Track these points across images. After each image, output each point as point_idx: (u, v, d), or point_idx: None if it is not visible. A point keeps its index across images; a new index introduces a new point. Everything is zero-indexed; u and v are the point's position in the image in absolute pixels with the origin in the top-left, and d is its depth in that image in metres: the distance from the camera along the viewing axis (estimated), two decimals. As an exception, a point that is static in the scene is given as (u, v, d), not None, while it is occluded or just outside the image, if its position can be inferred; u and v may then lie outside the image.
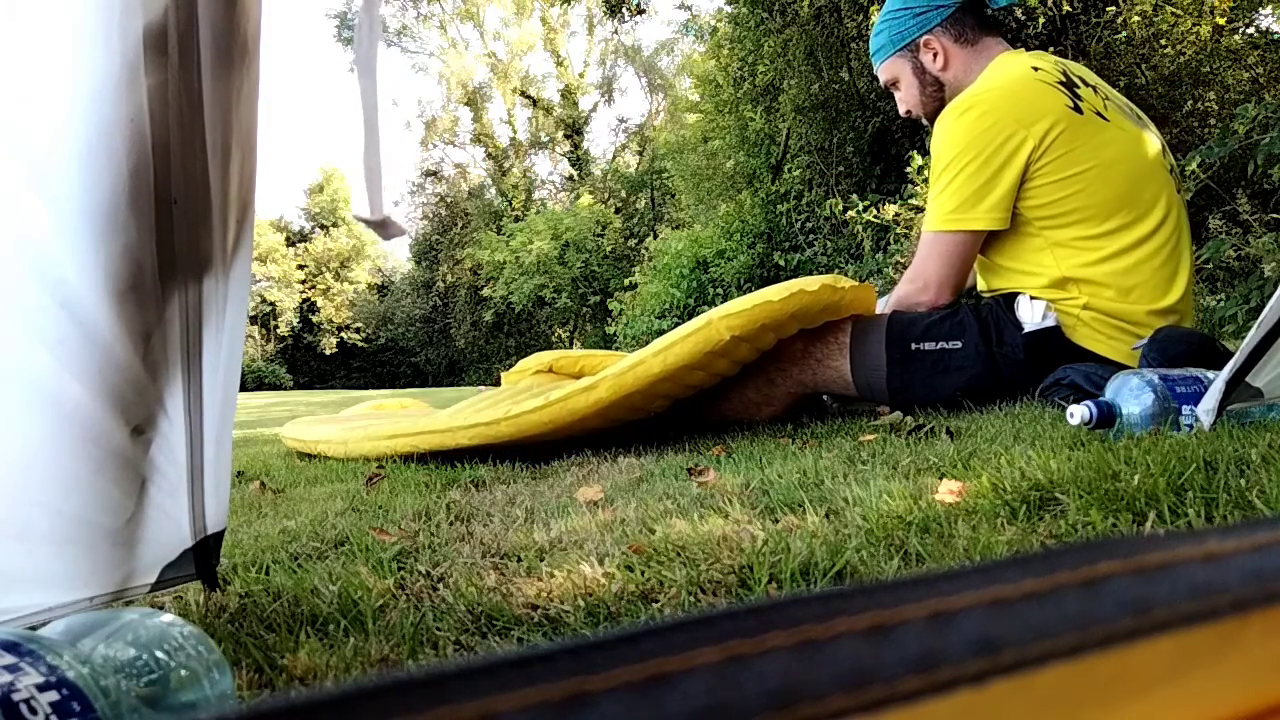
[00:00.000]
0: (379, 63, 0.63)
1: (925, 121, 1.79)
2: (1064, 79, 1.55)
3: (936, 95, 1.73)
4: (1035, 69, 1.55)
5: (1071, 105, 1.50)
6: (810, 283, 1.50)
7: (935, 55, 1.69)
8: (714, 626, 0.11)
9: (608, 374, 1.50)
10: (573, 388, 1.51)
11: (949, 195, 1.56)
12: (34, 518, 0.57)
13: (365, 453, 1.77)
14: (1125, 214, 1.49)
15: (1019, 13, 5.39)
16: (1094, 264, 1.50)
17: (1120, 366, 1.44)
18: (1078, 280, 1.51)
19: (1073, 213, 1.50)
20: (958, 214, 1.55)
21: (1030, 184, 1.51)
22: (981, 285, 1.74)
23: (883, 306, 1.75)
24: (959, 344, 1.53)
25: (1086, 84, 1.58)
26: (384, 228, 0.61)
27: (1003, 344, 1.52)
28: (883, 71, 1.79)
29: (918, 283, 1.62)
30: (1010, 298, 1.57)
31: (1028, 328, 1.51)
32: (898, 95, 1.80)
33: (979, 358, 1.52)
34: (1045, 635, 0.11)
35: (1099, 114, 1.52)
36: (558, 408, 1.50)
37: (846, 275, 5.86)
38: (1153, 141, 1.57)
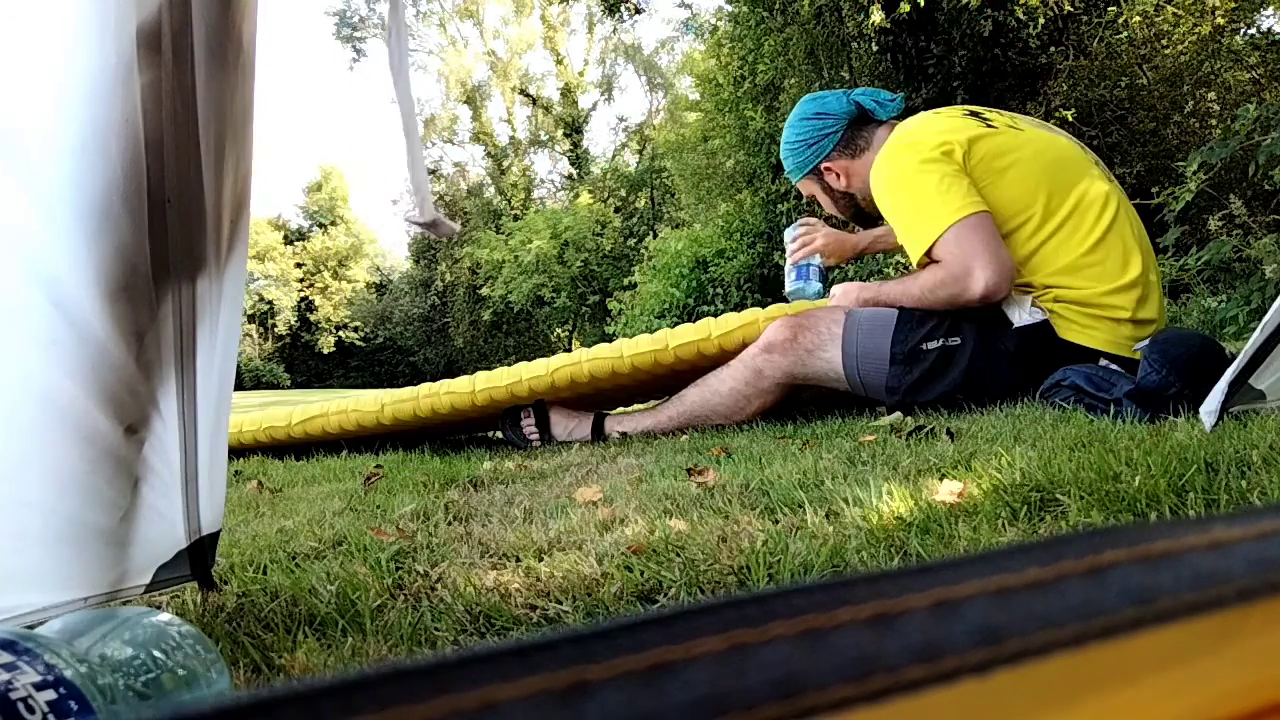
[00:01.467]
0: (410, 70, 0.63)
1: (850, 221, 1.94)
2: (967, 112, 1.64)
3: (848, 203, 1.87)
4: (935, 114, 1.65)
5: (982, 128, 1.58)
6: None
7: (838, 175, 1.82)
8: (717, 615, 0.11)
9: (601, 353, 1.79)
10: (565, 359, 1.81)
11: (927, 203, 1.54)
12: (27, 517, 0.57)
13: (386, 419, 1.90)
14: (1064, 206, 1.53)
15: (1019, 13, 5.39)
16: (1047, 258, 1.53)
17: (1117, 359, 1.45)
18: (1043, 280, 1.54)
19: (1017, 215, 1.53)
20: (949, 207, 1.51)
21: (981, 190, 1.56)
22: None
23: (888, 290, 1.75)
24: (958, 340, 1.55)
25: (989, 111, 1.68)
26: (435, 227, 0.64)
27: (996, 340, 1.54)
28: (800, 187, 1.92)
29: (962, 284, 1.50)
30: None
31: (1017, 324, 1.53)
32: (821, 200, 1.92)
33: (979, 353, 1.53)
34: (1049, 625, 0.11)
35: (1011, 126, 1.61)
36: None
37: (847, 275, 5.86)
38: (1068, 141, 1.64)
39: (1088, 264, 1.51)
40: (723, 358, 1.76)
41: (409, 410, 1.84)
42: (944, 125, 1.59)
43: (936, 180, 1.53)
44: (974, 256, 1.49)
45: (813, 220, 2.02)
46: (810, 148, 1.83)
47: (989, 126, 1.59)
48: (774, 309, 1.77)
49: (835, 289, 1.82)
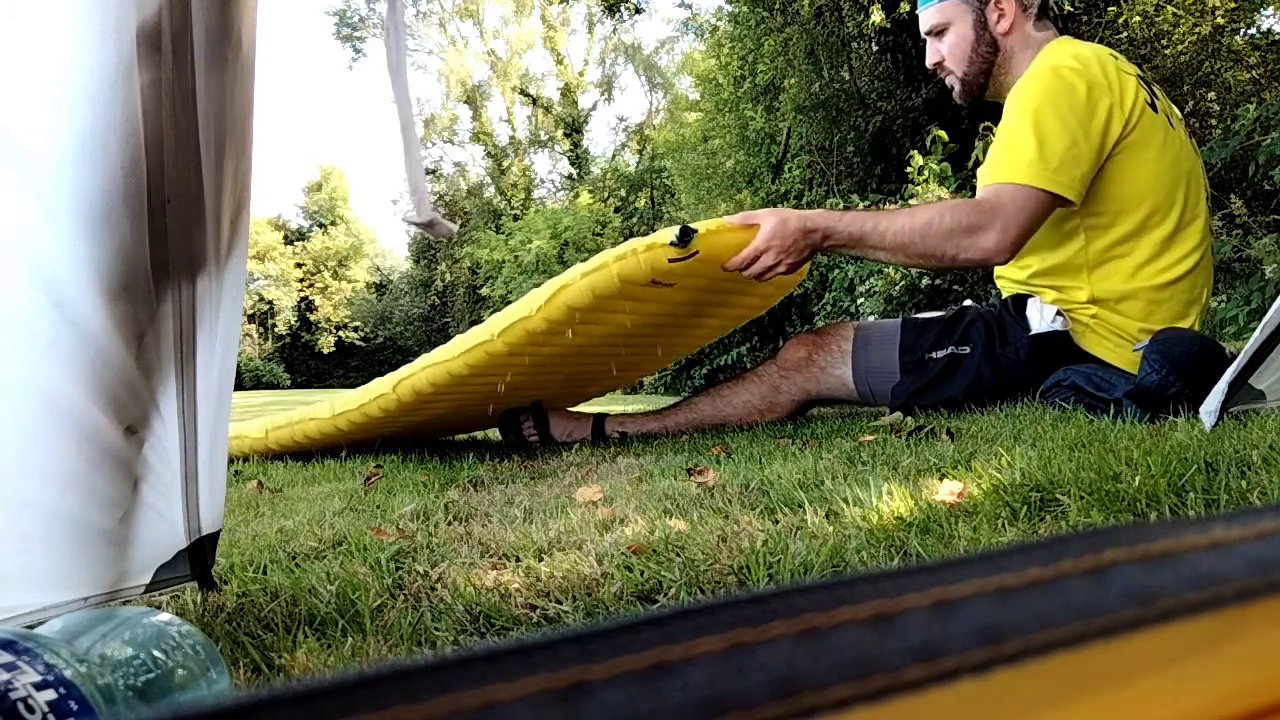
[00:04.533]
0: (409, 70, 0.64)
1: (955, 83, 1.65)
2: (1139, 74, 1.51)
3: (987, 57, 1.60)
4: (1113, 53, 1.50)
5: (1149, 100, 1.45)
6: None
7: (1001, 16, 1.57)
8: (716, 615, 0.11)
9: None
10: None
11: (1048, 151, 1.39)
12: (27, 517, 0.57)
13: (380, 409, 1.67)
14: (1166, 224, 1.45)
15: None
16: (1116, 274, 1.47)
17: (1120, 371, 1.45)
18: (1104, 298, 1.49)
19: (1115, 212, 1.45)
20: (1056, 176, 1.39)
21: (1103, 165, 1.43)
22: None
23: (894, 228, 1.50)
24: (968, 348, 1.54)
25: (1154, 85, 1.55)
26: (432, 227, 0.64)
27: (1006, 345, 1.53)
28: (937, 13, 1.62)
29: (980, 224, 1.42)
30: (1019, 300, 1.57)
31: (1035, 329, 1.51)
32: (935, 44, 1.65)
33: (986, 360, 1.53)
34: (1049, 624, 0.11)
35: (1168, 117, 1.49)
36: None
37: (846, 276, 5.86)
38: (1201, 166, 1.54)
39: (1151, 299, 1.46)
40: (552, 329, 1.47)
41: (392, 402, 1.63)
42: (1121, 78, 1.43)
43: (1074, 141, 1.39)
44: (1011, 220, 1.40)
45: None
46: None
47: (1152, 103, 1.45)
48: (657, 236, 1.44)
49: (759, 214, 1.49)
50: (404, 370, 1.62)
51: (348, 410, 1.67)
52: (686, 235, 1.39)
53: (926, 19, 1.65)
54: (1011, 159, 1.44)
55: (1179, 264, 1.46)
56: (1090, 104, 1.40)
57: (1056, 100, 1.42)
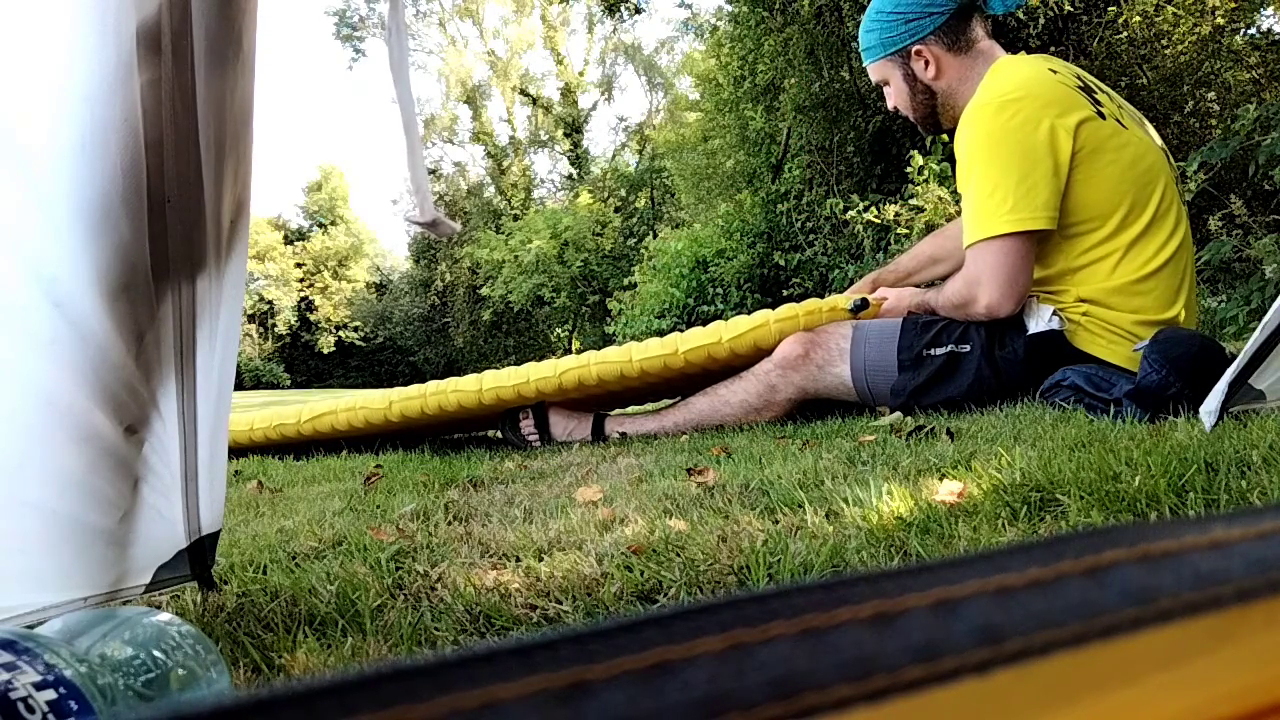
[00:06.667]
0: (410, 70, 0.64)
1: (916, 123, 1.75)
2: (1080, 84, 1.52)
3: (927, 102, 1.68)
4: (1053, 71, 1.51)
5: (1093, 110, 1.46)
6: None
7: (926, 64, 1.63)
8: (716, 615, 0.11)
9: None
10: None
11: (1000, 196, 1.45)
12: (27, 517, 0.57)
13: (394, 416, 1.89)
14: (1139, 223, 1.46)
15: (1019, 13, 5.39)
16: (1099, 274, 1.48)
17: (1119, 369, 1.44)
18: (1090, 297, 1.50)
19: (1088, 221, 1.47)
20: (1015, 215, 1.44)
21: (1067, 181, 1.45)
22: None
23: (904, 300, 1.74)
24: (968, 347, 1.54)
25: (1100, 90, 1.56)
26: (435, 227, 0.65)
27: (1004, 345, 1.53)
28: (872, 71, 1.73)
29: (971, 294, 1.51)
30: None
31: (1031, 330, 1.51)
32: (887, 91, 1.74)
33: (985, 361, 1.53)
34: (1049, 624, 0.11)
35: (1117, 120, 1.50)
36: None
37: (846, 275, 5.87)
38: (1162, 153, 1.55)
39: (1137, 291, 1.46)
40: (733, 360, 1.74)
41: (417, 408, 1.84)
42: (1058, 94, 1.45)
43: (1024, 174, 1.42)
44: (991, 278, 1.48)
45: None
46: (908, 24, 1.61)
47: (1098, 111, 1.46)
48: (784, 310, 1.74)
49: (887, 293, 1.77)
50: (572, 360, 1.81)
51: (522, 383, 1.83)
52: (863, 305, 1.75)
53: (870, 75, 1.75)
54: (970, 217, 1.51)
55: (1159, 253, 1.47)
56: (1030, 130, 1.43)
57: (994, 141, 1.45)
